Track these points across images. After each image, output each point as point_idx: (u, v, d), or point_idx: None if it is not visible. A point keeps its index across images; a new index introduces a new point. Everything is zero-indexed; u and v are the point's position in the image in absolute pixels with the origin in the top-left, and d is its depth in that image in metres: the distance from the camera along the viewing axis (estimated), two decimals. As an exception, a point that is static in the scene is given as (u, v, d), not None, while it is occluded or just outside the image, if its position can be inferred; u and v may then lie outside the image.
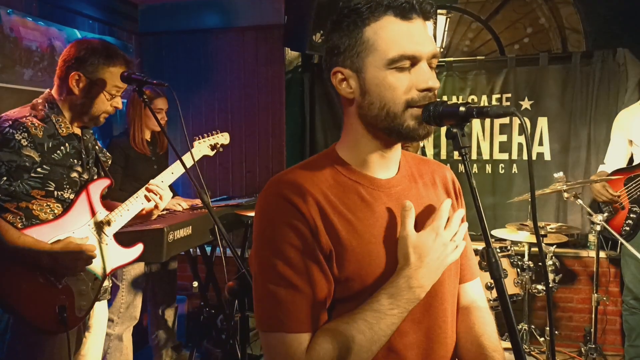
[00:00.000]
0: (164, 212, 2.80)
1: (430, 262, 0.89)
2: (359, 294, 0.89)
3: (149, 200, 1.95)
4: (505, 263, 2.81)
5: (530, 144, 0.88)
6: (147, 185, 1.98)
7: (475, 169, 3.91)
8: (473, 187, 0.88)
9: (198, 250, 3.25)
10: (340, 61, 0.92)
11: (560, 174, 2.82)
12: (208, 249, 3.33)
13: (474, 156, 3.92)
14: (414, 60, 0.89)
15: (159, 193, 1.97)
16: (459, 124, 0.87)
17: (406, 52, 0.87)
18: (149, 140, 2.99)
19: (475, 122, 3.93)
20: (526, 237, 2.90)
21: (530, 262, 2.93)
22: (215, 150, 2.45)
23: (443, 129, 0.93)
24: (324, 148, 4.13)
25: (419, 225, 0.94)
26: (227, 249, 3.22)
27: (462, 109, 0.86)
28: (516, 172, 3.84)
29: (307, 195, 0.88)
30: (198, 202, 3.01)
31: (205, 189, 1.79)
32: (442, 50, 4.54)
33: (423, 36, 0.89)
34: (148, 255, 2.34)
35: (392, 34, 0.87)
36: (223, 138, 2.49)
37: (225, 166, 4.11)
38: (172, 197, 2.94)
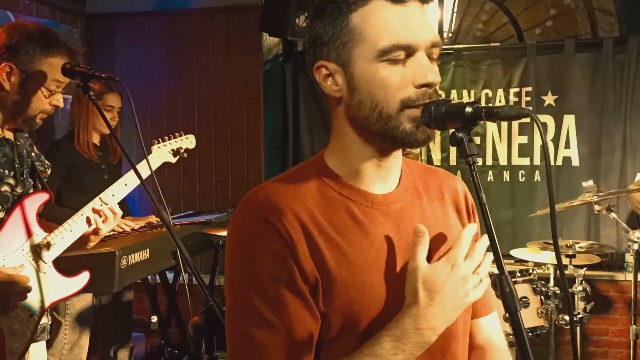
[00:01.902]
0: (111, 233, 2.77)
1: (444, 300, 0.89)
2: (349, 333, 0.89)
3: (89, 223, 1.91)
4: (526, 289, 2.83)
5: (548, 151, 0.89)
6: (92, 205, 1.95)
7: (490, 176, 3.94)
8: (483, 202, 0.88)
9: (158, 277, 3.22)
10: (324, 54, 0.92)
11: (590, 182, 2.86)
12: (170, 276, 3.31)
13: (489, 161, 3.96)
14: (410, 51, 0.89)
15: (103, 214, 1.93)
16: (465, 128, 0.88)
17: (400, 41, 0.87)
18: (98, 144, 2.97)
19: (491, 123, 3.97)
20: (551, 258, 2.92)
21: (556, 289, 2.94)
22: (178, 156, 2.45)
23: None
24: (309, 152, 4.19)
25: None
26: (193, 276, 3.20)
27: (468, 109, 0.86)
28: (539, 180, 3.88)
29: (289, 215, 0.88)
30: (156, 219, 2.99)
31: (166, 204, 1.78)
32: (450, 35, 4.60)
33: (420, 22, 0.89)
34: (96, 285, 2.30)
35: (383, 21, 0.88)
36: (188, 141, 2.49)
37: (191, 175, 4.10)
38: (122, 217, 2.92)
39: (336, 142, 0.97)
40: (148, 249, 2.63)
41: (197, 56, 4.06)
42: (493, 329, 1.08)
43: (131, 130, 3.56)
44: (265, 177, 4.01)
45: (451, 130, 0.90)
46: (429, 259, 0.93)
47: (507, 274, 0.88)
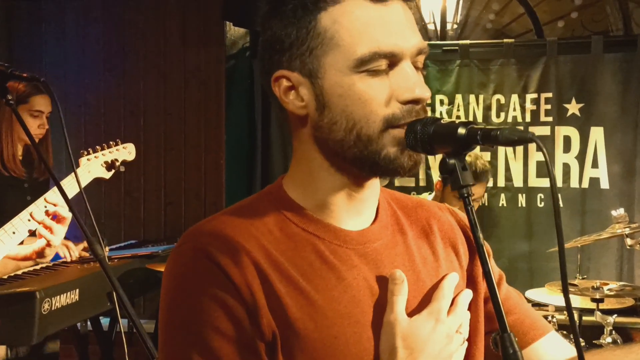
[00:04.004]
0: (44, 264, 2.75)
1: (427, 359, 0.90)
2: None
3: (31, 234, 1.93)
4: (544, 341, 2.86)
5: (555, 182, 0.92)
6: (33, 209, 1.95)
7: (502, 200, 3.98)
8: (480, 244, 0.89)
9: (90, 324, 3.18)
10: (284, 61, 0.92)
11: (621, 210, 2.90)
12: (105, 323, 3.27)
13: (500, 182, 4.01)
14: (393, 60, 0.90)
15: (48, 226, 1.94)
16: (457, 153, 0.89)
17: (382, 47, 0.88)
18: (22, 157, 2.95)
19: (503, 134, 4.02)
20: (576, 301, 2.94)
21: (581, 340, 2.96)
22: (113, 171, 2.43)
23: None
24: (282, 167, 4.19)
25: (409, 304, 0.94)
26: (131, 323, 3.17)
27: (461, 130, 0.87)
28: (561, 205, 3.93)
29: (241, 254, 0.89)
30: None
31: (100, 233, 1.77)
32: (455, 27, 4.67)
33: (404, 24, 0.90)
34: (11, 334, 2.26)
35: (360, 23, 0.88)
36: (125, 152, 2.47)
37: (134, 195, 4.07)
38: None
39: (299, 169, 0.98)
40: (77, 289, 2.60)
41: (144, 50, 4.06)
42: (558, 350, 1.08)
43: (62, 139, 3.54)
44: (226, 198, 4.01)
45: (440, 156, 0.91)
46: (418, 311, 0.94)
47: (510, 331, 0.88)
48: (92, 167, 2.39)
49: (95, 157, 2.41)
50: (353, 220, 0.98)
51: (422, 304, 0.96)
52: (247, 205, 0.98)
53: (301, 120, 0.94)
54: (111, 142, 2.46)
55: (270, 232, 0.93)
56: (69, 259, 2.88)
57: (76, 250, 2.92)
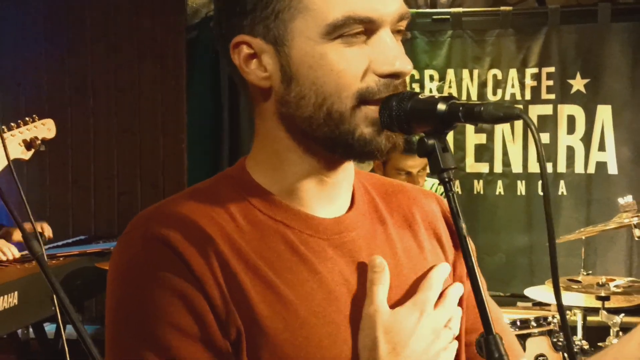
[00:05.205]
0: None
1: (411, 355, 0.90)
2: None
3: None
4: (543, 344, 2.87)
5: (544, 165, 0.92)
6: None
7: (499, 188, 4.00)
8: (463, 234, 0.88)
9: (32, 330, 3.17)
10: (245, 25, 0.91)
11: (629, 198, 2.92)
12: (50, 329, 3.25)
13: (497, 168, 4.03)
14: (371, 27, 0.89)
15: None
16: (437, 132, 0.89)
17: (357, 12, 0.88)
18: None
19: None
20: (579, 299, 2.97)
21: (585, 342, 3.01)
22: (32, 150, 2.41)
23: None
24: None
25: (390, 300, 0.94)
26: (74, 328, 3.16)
27: (441, 106, 0.86)
28: (564, 192, 3.97)
29: (202, 241, 0.88)
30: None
31: (37, 228, 1.75)
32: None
33: None
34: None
35: None
36: (45, 128, 2.45)
37: (83, 184, 4.04)
38: None
39: (263, 150, 0.97)
40: (16, 292, 2.58)
41: (90, 18, 4.02)
42: None
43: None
44: (188, 187, 3.98)
45: (418, 136, 0.91)
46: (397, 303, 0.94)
47: (496, 333, 0.89)
48: (10, 146, 2.36)
49: (11, 135, 2.38)
50: (326, 207, 0.97)
51: (404, 299, 0.96)
52: (205, 189, 0.97)
53: (264, 93, 0.94)
54: (27, 119, 2.44)
55: (233, 219, 0.92)
56: (4, 259, 2.85)
57: (13, 248, 2.89)
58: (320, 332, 0.91)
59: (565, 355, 2.97)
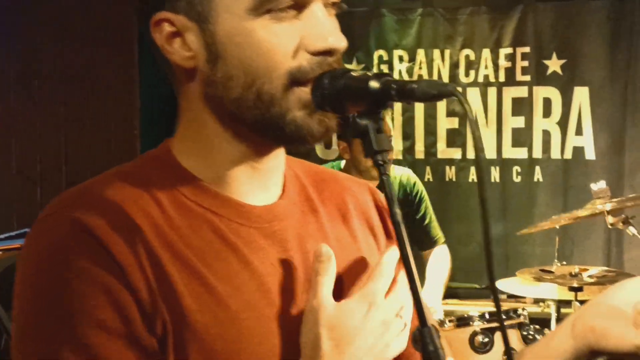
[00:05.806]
0: None
1: (357, 352, 0.91)
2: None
3: None
4: (513, 338, 2.90)
5: (480, 146, 0.93)
6: None
7: (472, 175, 4.02)
8: (397, 220, 0.88)
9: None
10: (166, 1, 0.92)
11: (602, 184, 2.93)
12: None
13: (470, 153, 4.05)
14: (301, 1, 0.91)
15: None
16: (371, 112, 0.89)
17: None
18: None
19: (472, 97, 4.06)
20: (552, 291, 3.00)
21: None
22: None
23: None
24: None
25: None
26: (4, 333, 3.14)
27: (374, 84, 0.87)
28: (541, 179, 4.01)
29: (128, 229, 0.87)
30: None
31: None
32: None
33: None
34: None
35: None
36: None
37: (29, 175, 4.01)
38: None
39: (188, 134, 0.97)
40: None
41: (36, -3, 4.00)
42: None
43: None
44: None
45: (351, 115, 0.91)
46: (335, 299, 0.94)
47: (431, 325, 0.89)
48: None
49: None
50: (257, 195, 0.98)
51: (337, 290, 0.97)
52: (129, 172, 0.96)
53: (188, 74, 0.94)
54: None
55: (160, 205, 0.92)
56: None
57: None
58: (252, 327, 0.91)
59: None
